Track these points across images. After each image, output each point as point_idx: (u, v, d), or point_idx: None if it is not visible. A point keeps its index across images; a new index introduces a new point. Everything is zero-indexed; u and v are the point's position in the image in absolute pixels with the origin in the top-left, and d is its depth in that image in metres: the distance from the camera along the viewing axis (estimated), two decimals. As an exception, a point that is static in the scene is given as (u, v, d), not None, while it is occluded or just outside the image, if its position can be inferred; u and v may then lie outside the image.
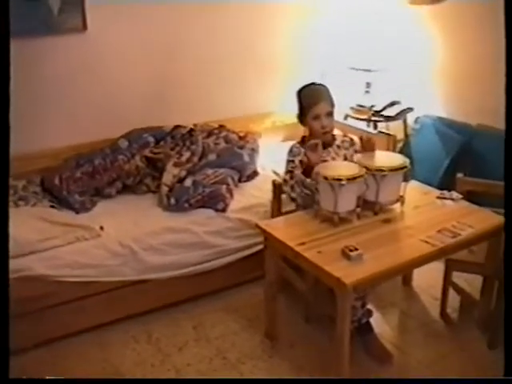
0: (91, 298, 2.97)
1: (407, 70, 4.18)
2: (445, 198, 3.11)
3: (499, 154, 3.62)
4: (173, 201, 3.22)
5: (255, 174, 3.74)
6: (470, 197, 3.12)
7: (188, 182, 3.28)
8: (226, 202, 3.27)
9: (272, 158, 3.95)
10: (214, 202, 3.25)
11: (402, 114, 4.08)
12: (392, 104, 4.11)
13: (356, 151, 3.14)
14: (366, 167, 2.82)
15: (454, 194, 3.12)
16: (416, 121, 4.07)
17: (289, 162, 3.06)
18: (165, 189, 3.29)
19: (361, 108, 4.12)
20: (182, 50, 3.94)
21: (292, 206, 3.14)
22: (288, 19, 4.30)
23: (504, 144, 2.09)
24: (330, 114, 3.03)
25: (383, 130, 3.79)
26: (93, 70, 3.65)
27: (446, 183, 3.54)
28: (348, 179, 2.70)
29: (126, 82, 3.77)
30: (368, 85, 4.22)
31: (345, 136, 3.24)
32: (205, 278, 3.26)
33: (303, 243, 2.63)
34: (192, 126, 3.77)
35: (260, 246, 3.31)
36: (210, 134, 3.77)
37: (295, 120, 4.44)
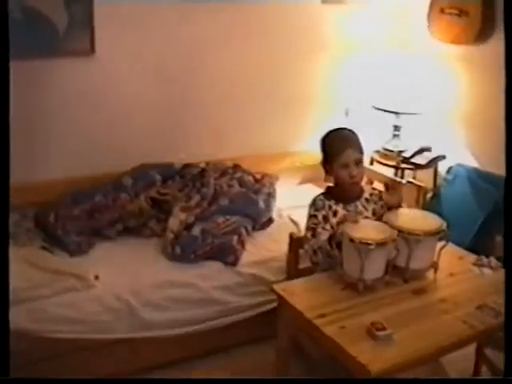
0: (76, 353, 2.67)
1: (437, 114, 3.88)
2: (482, 266, 2.78)
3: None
4: (178, 250, 2.90)
5: (270, 221, 3.42)
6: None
7: (196, 231, 2.97)
8: (237, 255, 2.95)
9: (289, 202, 3.66)
10: (224, 254, 2.94)
11: (433, 162, 3.76)
12: (422, 150, 3.80)
13: (382, 206, 2.84)
14: (397, 228, 2.51)
15: (493, 262, 2.78)
16: (449, 171, 3.74)
17: (311, 216, 2.74)
18: (170, 235, 2.97)
19: (388, 153, 3.81)
20: (197, 78, 3.64)
21: (308, 262, 2.83)
22: (315, 52, 4.00)
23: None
24: (359, 162, 2.71)
25: (412, 180, 3.47)
26: (98, 96, 3.36)
27: (478, 244, 3.23)
28: (377, 244, 2.38)
29: (133, 110, 3.48)
30: (396, 128, 3.92)
31: (374, 189, 2.92)
32: (209, 336, 2.94)
33: (323, 315, 2.29)
34: (204, 165, 3.47)
35: (272, 305, 2.99)
36: (223, 173, 3.47)
37: (316, 161, 4.23)
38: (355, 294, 2.45)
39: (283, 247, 3.07)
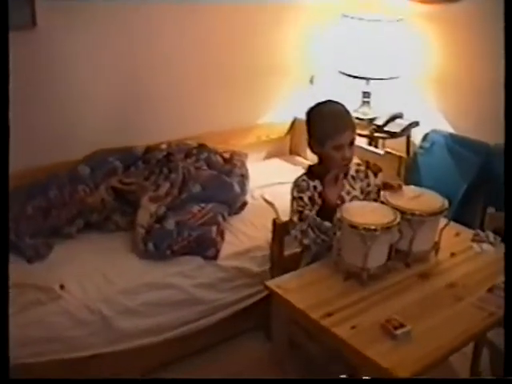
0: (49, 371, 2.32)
1: (407, 79, 3.67)
2: (481, 241, 2.61)
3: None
4: (151, 247, 2.58)
5: (244, 204, 3.14)
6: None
7: (170, 224, 2.65)
8: (218, 248, 2.67)
9: (259, 181, 3.40)
10: (203, 247, 2.64)
11: (407, 129, 3.55)
12: (394, 118, 3.58)
13: (368, 184, 2.62)
14: (398, 209, 2.29)
15: (491, 236, 2.61)
16: (425, 138, 3.54)
17: (296, 199, 2.47)
18: (140, 231, 2.64)
19: (359, 121, 3.56)
20: (152, 56, 3.25)
21: (293, 248, 2.59)
22: (274, 20, 3.65)
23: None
24: (353, 143, 2.47)
25: (390, 150, 3.25)
26: (44, 75, 2.92)
27: (463, 215, 3.07)
28: (382, 228, 2.15)
29: (85, 91, 3.06)
30: (366, 94, 3.68)
31: (359, 165, 2.67)
32: (194, 336, 2.68)
33: (330, 314, 2.05)
34: (165, 147, 3.12)
35: (258, 296, 2.81)
36: (187, 154, 3.14)
37: (281, 134, 3.98)
38: (358, 285, 2.22)
39: (263, 233, 2.85)
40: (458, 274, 2.35)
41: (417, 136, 3.69)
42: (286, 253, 2.68)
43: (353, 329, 1.98)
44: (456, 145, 3.40)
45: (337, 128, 2.40)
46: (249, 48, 3.61)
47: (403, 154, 3.24)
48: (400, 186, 2.44)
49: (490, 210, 2.81)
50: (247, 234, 2.90)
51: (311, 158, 3.96)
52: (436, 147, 3.48)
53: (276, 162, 3.85)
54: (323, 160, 2.50)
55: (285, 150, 3.99)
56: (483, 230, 2.67)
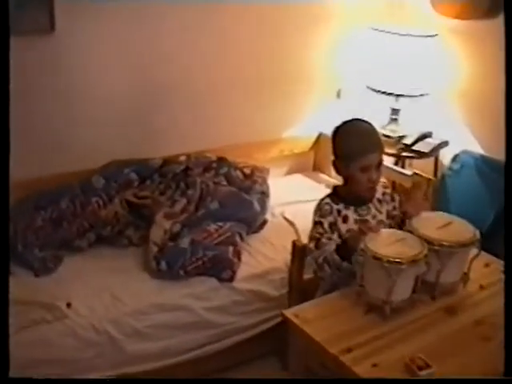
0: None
1: (438, 96, 3.51)
2: (512, 274, 2.46)
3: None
4: (164, 266, 2.47)
5: (264, 222, 3.02)
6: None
7: (185, 242, 2.54)
8: (234, 270, 2.55)
9: (280, 197, 3.28)
10: (218, 269, 2.53)
11: (436, 149, 3.40)
12: (423, 137, 3.43)
13: (395, 207, 2.48)
14: (425, 239, 2.15)
15: (523, 268, 2.47)
16: (454, 159, 3.38)
17: (316, 224, 2.33)
18: (153, 248, 2.53)
19: (386, 139, 3.42)
20: (173, 62, 3.14)
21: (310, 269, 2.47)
22: (302, 26, 3.52)
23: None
24: (380, 165, 2.33)
25: (418, 172, 3.10)
26: (60, 82, 2.83)
27: (491, 243, 2.91)
28: (408, 261, 2.02)
29: (102, 98, 2.97)
30: (394, 111, 3.54)
31: (385, 187, 2.53)
32: (204, 360, 2.57)
33: (349, 350, 1.92)
34: (184, 159, 3.01)
35: (274, 321, 2.68)
36: (206, 168, 3.03)
37: (305, 149, 3.85)
38: (380, 319, 2.08)
39: (283, 255, 2.72)
40: (487, 310, 2.19)
41: (445, 156, 3.54)
42: (306, 276, 2.56)
43: (374, 367, 1.85)
44: (487, 168, 3.24)
45: (364, 148, 2.27)
46: (275, 56, 3.49)
47: (431, 176, 3.08)
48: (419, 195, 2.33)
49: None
50: (265, 255, 2.78)
51: (335, 176, 3.84)
52: (466, 169, 3.31)
53: (298, 178, 3.73)
54: (348, 182, 2.37)
55: (308, 165, 3.87)
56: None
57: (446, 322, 2.12)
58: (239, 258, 2.63)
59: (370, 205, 2.41)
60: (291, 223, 3.06)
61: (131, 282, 2.49)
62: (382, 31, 3.37)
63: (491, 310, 2.21)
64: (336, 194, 2.40)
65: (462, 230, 2.24)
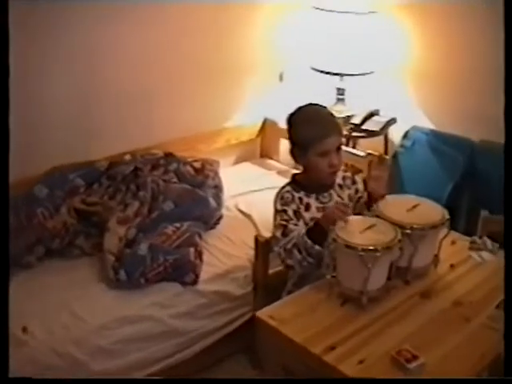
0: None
1: (383, 74, 3.46)
2: (479, 249, 2.43)
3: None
4: (123, 275, 2.31)
5: (219, 218, 2.88)
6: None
7: (143, 249, 2.37)
8: (197, 272, 2.41)
9: (232, 189, 3.14)
10: (181, 273, 2.38)
11: (386, 127, 3.35)
12: (371, 115, 3.38)
13: (357, 190, 2.41)
14: (396, 224, 2.08)
15: (489, 243, 2.44)
16: (405, 136, 3.34)
17: (279, 212, 2.23)
18: (110, 258, 2.36)
19: (334, 120, 3.35)
20: (110, 59, 2.95)
21: (276, 262, 2.37)
22: (239, 16, 3.38)
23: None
24: (340, 149, 2.24)
25: (371, 151, 3.05)
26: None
27: (450, 215, 2.91)
28: (384, 248, 1.94)
29: (39, 98, 2.74)
30: (340, 91, 3.46)
31: (345, 171, 2.45)
32: (171, 370, 2.43)
33: (332, 347, 1.83)
34: (129, 157, 2.83)
35: (239, 322, 2.58)
36: (154, 166, 2.86)
37: (252, 136, 3.73)
38: (358, 310, 2.01)
39: (243, 250, 2.63)
40: (462, 290, 2.16)
41: (394, 134, 3.50)
42: (271, 271, 2.47)
43: (360, 364, 1.77)
44: (439, 142, 3.22)
45: (321, 133, 2.16)
46: (212, 45, 3.34)
47: (386, 156, 3.04)
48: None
49: (484, 213, 2.64)
50: (226, 252, 2.66)
51: (284, 160, 3.75)
52: (418, 146, 3.28)
53: (247, 167, 3.61)
54: (308, 169, 2.27)
55: (255, 153, 3.76)
56: (472, 235, 2.51)
57: (424, 307, 2.06)
58: (201, 259, 2.50)
59: (332, 191, 2.33)
60: (247, 215, 2.96)
61: (89, 295, 2.32)
62: (323, 10, 3.28)
63: (466, 290, 2.18)
64: (296, 183, 2.30)
65: (431, 210, 2.19)
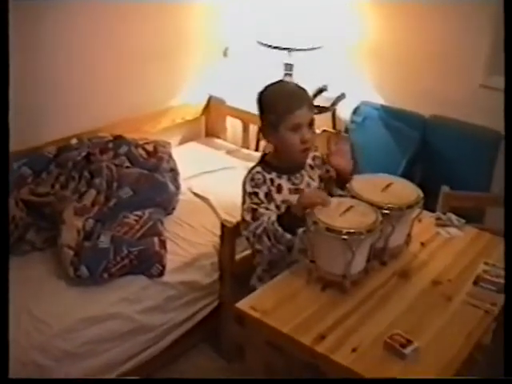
0: None
1: (331, 49, 3.38)
2: (445, 225, 2.43)
3: (459, 150, 3.07)
4: (84, 271, 2.13)
5: (176, 202, 2.73)
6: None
7: (104, 241, 2.21)
8: (163, 263, 2.27)
9: (183, 171, 2.96)
10: (147, 265, 2.24)
11: (336, 102, 3.29)
12: (320, 91, 3.30)
13: (327, 170, 2.33)
14: (373, 204, 2.03)
15: (454, 218, 2.45)
16: (356, 111, 3.29)
17: (249, 195, 2.12)
18: (68, 253, 2.17)
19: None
20: (52, 41, 2.73)
21: (242, 246, 2.28)
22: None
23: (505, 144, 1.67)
24: (312, 124, 2.15)
25: (326, 128, 2.98)
26: None
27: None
28: (368, 231, 1.89)
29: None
30: (288, 67, 3.36)
31: (315, 151, 2.36)
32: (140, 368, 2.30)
33: (322, 337, 1.76)
34: (75, 141, 2.62)
35: (206, 311, 2.48)
36: (103, 150, 2.66)
37: (197, 114, 3.57)
38: (341, 295, 1.95)
39: (206, 237, 2.53)
40: (438, 268, 2.14)
41: (342, 110, 3.45)
42: (238, 257, 2.37)
43: (354, 352, 1.71)
44: (390, 118, 3.20)
45: (291, 106, 2.07)
46: (154, 22, 3.15)
47: (342, 132, 2.98)
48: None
49: (444, 188, 2.64)
50: (188, 239, 2.53)
51: (231, 139, 3.63)
52: (369, 121, 3.26)
53: (194, 147, 3.46)
54: (279, 147, 2.16)
55: (200, 132, 3.62)
56: (432, 211, 2.50)
57: (405, 288, 2.02)
58: (165, 249, 2.35)
59: (303, 172, 2.24)
60: (202, 197, 2.83)
61: (48, 295, 2.13)
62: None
63: (441, 267, 2.17)
64: (266, 163, 2.19)
65: (405, 189, 2.15)
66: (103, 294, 2.17)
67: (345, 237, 1.85)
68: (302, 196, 2.05)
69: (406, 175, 3.07)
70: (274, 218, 2.04)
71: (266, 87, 2.17)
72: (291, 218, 2.00)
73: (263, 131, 2.18)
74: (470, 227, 2.41)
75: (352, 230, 1.85)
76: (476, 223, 2.48)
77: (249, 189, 2.14)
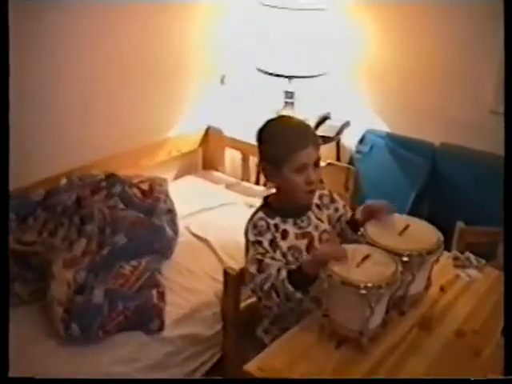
0: None
1: (333, 76, 3.23)
2: (464, 266, 2.26)
3: (472, 180, 2.90)
4: (76, 330, 1.95)
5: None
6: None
7: (98, 295, 2.02)
8: (162, 318, 2.09)
9: (180, 208, 2.76)
10: (145, 320, 2.06)
11: (340, 131, 3.13)
12: (324, 119, 3.15)
13: (336, 209, 2.16)
14: (391, 251, 1.86)
15: (472, 258, 2.28)
16: (362, 140, 3.13)
17: (253, 244, 1.93)
18: (58, 309, 1.99)
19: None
20: (37, 66, 2.55)
21: (247, 294, 2.10)
22: (183, 19, 3.07)
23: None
24: (318, 164, 1.97)
25: (332, 161, 2.82)
26: None
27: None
28: (388, 284, 1.72)
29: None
30: (289, 95, 3.20)
31: (322, 189, 2.19)
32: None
33: (340, 404, 1.61)
34: (65, 181, 2.44)
35: (209, 364, 2.29)
36: (94, 190, 2.47)
37: (194, 146, 3.39)
38: (358, 353, 1.77)
39: (207, 283, 2.35)
40: (460, 317, 1.97)
41: (346, 139, 3.30)
42: (242, 304, 2.19)
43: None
44: (398, 146, 3.04)
45: (295, 144, 1.89)
46: (150, 52, 3.00)
47: (349, 166, 2.82)
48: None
49: (460, 224, 2.48)
50: (188, 288, 2.35)
51: (230, 172, 3.46)
52: (376, 151, 3.09)
53: (191, 181, 3.28)
54: (283, 189, 1.99)
55: (197, 164, 3.45)
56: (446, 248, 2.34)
57: (427, 342, 1.84)
58: (164, 301, 2.17)
59: (310, 213, 2.06)
60: (201, 238, 2.65)
61: (36, 356, 1.94)
62: (270, 6, 3.00)
63: (464, 316, 1.99)
64: (269, 206, 2.02)
65: (424, 232, 1.98)
66: (97, 354, 1.98)
67: (363, 291, 1.68)
68: (317, 254, 1.88)
69: (416, 207, 2.94)
70: (284, 274, 1.85)
71: (267, 123, 2.00)
72: (303, 277, 1.82)
73: (264, 171, 2.01)
74: (490, 268, 2.24)
75: (370, 284, 1.69)
76: (488, 257, 2.32)
77: (252, 237, 1.95)
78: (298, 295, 1.83)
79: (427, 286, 2.04)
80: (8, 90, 1.39)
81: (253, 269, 1.91)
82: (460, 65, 2.90)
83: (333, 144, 3.23)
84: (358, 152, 3.14)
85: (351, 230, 2.09)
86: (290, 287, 1.82)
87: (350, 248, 1.91)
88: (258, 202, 2.68)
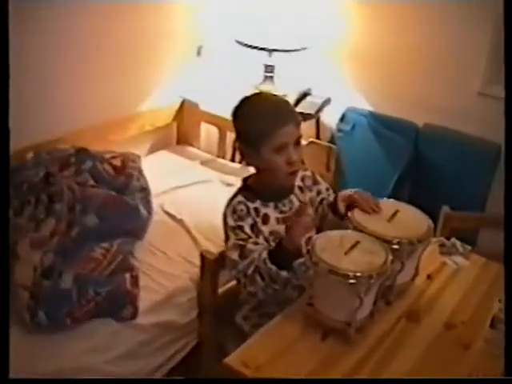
0: None
1: (316, 51, 3.10)
2: (450, 253, 2.19)
3: (454, 162, 2.84)
4: (42, 317, 1.81)
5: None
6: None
7: (66, 281, 1.87)
8: (135, 304, 1.96)
9: (153, 185, 2.61)
10: (117, 307, 1.93)
11: (321, 108, 3.00)
12: (305, 95, 3.02)
13: (319, 191, 2.06)
14: (380, 238, 1.76)
15: (459, 245, 2.21)
16: (343, 118, 3.02)
17: (233, 229, 1.83)
18: (23, 294, 1.85)
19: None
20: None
21: (225, 278, 2.00)
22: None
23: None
24: (299, 142, 1.85)
25: (315, 140, 2.70)
26: None
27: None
28: (379, 274, 1.62)
29: None
30: (269, 68, 3.06)
31: (304, 170, 2.08)
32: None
33: (328, 398, 1.52)
34: (31, 155, 2.28)
35: (184, 352, 2.18)
36: (63, 165, 2.31)
37: (168, 120, 3.24)
38: (344, 344, 1.69)
39: (182, 267, 2.24)
40: (448, 307, 1.89)
41: (326, 117, 3.18)
42: (220, 290, 2.08)
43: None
44: (380, 126, 2.94)
45: (274, 123, 1.78)
46: (122, 20, 2.81)
47: (331, 145, 2.70)
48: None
49: (445, 208, 2.39)
50: (162, 271, 2.22)
51: (205, 147, 3.32)
52: (358, 129, 2.98)
53: (165, 157, 3.13)
54: (262, 170, 1.87)
55: (171, 139, 3.30)
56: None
57: (415, 334, 1.77)
58: (138, 287, 2.03)
59: (292, 196, 1.96)
60: (174, 217, 2.52)
61: None
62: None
63: (452, 306, 1.92)
64: (248, 189, 1.90)
65: (414, 218, 1.89)
66: (65, 344, 1.85)
67: (352, 281, 1.59)
68: (288, 230, 1.80)
69: (398, 189, 2.86)
70: (264, 255, 1.76)
71: (243, 100, 1.87)
72: (284, 254, 1.74)
73: (241, 152, 1.89)
74: (476, 255, 2.17)
75: (360, 274, 1.59)
76: (470, 244, 2.25)
77: (231, 223, 1.84)
78: (284, 274, 1.75)
79: (414, 276, 1.96)
80: (8, 90, 1.34)
81: (235, 255, 1.81)
82: (447, 44, 2.81)
83: (312, 122, 3.11)
84: (339, 130, 3.03)
85: (333, 213, 1.99)
86: (273, 267, 1.74)
87: (337, 234, 1.81)
88: (234, 181, 2.58)
